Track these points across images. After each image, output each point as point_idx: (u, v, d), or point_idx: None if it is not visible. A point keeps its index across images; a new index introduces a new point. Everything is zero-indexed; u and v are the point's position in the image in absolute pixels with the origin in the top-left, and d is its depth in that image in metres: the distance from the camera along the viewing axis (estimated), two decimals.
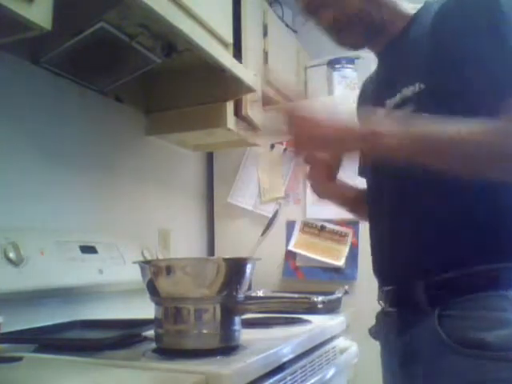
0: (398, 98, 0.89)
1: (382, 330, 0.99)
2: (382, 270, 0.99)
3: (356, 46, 1.00)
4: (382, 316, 0.98)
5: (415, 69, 0.87)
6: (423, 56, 0.86)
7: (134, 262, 0.95)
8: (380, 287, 0.98)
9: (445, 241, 0.85)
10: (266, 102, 2.04)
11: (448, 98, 0.80)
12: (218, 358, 0.85)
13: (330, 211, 1.91)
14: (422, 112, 0.82)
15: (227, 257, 0.95)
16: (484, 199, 0.83)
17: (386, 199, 0.95)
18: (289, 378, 1.00)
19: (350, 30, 0.95)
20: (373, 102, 0.99)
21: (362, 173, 1.13)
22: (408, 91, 0.87)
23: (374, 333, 1.03)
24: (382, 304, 0.97)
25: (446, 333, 0.81)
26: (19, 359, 0.86)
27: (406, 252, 0.90)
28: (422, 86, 0.84)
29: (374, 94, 1.03)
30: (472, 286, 0.82)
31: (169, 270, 0.90)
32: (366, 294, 1.88)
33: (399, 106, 0.88)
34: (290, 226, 1.99)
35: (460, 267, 0.82)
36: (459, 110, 0.75)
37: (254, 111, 1.81)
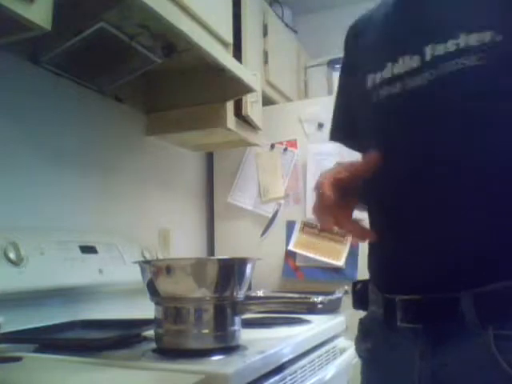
0: (449, 45, 0.66)
1: (384, 349, 0.76)
2: (397, 271, 0.73)
3: None
4: (380, 332, 0.76)
5: (484, 10, 0.65)
6: None
7: (134, 262, 0.95)
8: (387, 293, 0.73)
9: (505, 235, 0.63)
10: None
11: None
12: (218, 358, 0.85)
13: None
14: (493, 76, 0.63)
15: (227, 257, 0.95)
16: None
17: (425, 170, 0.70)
18: (289, 378, 1.00)
19: None
20: (396, 46, 0.74)
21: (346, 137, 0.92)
22: (471, 39, 0.64)
23: (366, 351, 0.80)
24: (381, 314, 0.74)
25: (506, 360, 0.60)
26: (19, 359, 0.86)
27: (444, 252, 0.67)
28: (499, 37, 0.62)
29: (396, 36, 0.76)
30: None
31: (169, 269, 0.90)
32: None
33: (450, 56, 0.66)
34: (290, 226, 1.99)
35: None
36: None
37: (253, 111, 1.81)
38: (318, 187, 0.74)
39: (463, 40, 0.65)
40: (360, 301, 0.82)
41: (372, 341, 0.79)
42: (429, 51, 0.68)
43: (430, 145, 0.69)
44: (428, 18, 0.71)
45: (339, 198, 0.72)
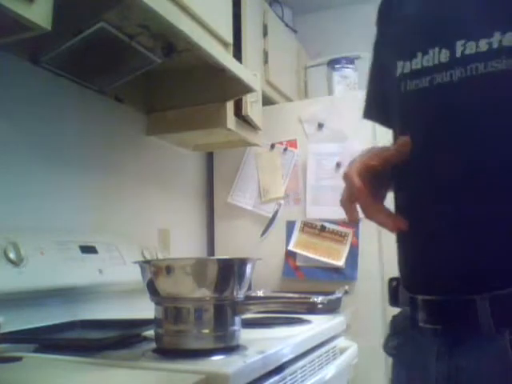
0: (481, 44, 0.62)
1: (409, 346, 0.75)
2: (422, 270, 0.72)
3: None
4: (409, 330, 0.74)
5: None
6: None
7: (134, 262, 0.95)
8: (411, 293, 0.72)
9: None
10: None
11: None
12: (218, 357, 0.85)
13: (330, 211, 1.91)
14: None
15: (227, 257, 0.95)
16: None
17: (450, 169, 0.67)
18: (289, 378, 1.00)
19: None
20: (429, 36, 0.69)
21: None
22: (505, 39, 0.59)
23: (392, 348, 0.79)
24: (409, 313, 0.73)
25: None
26: (19, 359, 0.86)
27: (460, 252, 0.65)
28: None
29: (430, 24, 0.70)
30: None
31: (169, 270, 0.90)
32: (365, 294, 1.88)
33: (482, 56, 0.62)
34: (290, 226, 1.99)
35: None
36: None
37: (253, 111, 1.81)
38: (347, 177, 0.71)
39: (496, 40, 0.60)
40: (394, 298, 0.79)
41: (400, 338, 0.78)
42: (459, 47, 0.64)
43: (452, 146, 0.67)
44: (464, 8, 0.65)
45: (370, 185, 0.70)
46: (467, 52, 0.63)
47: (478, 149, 0.64)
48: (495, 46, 0.60)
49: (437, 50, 0.67)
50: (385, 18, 0.83)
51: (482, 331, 0.62)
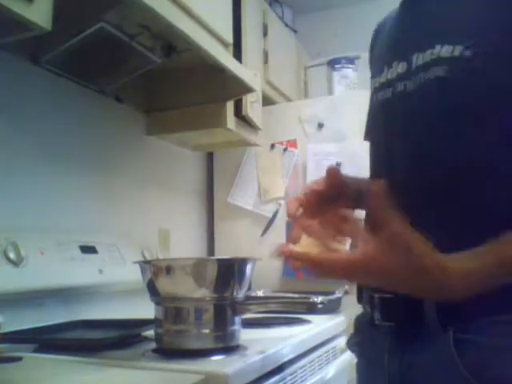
0: (427, 54, 0.68)
1: (368, 343, 0.78)
2: None
3: None
4: (367, 327, 0.77)
5: (460, 24, 0.67)
6: (472, 9, 0.66)
7: (134, 262, 0.95)
8: (367, 291, 0.76)
9: (467, 240, 0.59)
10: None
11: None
12: (218, 357, 0.85)
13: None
14: (457, 90, 0.64)
15: (227, 257, 0.95)
16: None
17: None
18: (289, 378, 1.00)
19: None
20: (393, 53, 0.77)
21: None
22: (443, 51, 0.66)
23: (353, 345, 0.83)
24: (369, 312, 0.76)
25: (465, 365, 0.60)
26: (19, 359, 0.86)
27: None
28: (468, 52, 0.63)
29: (394, 42, 0.80)
30: (499, 303, 0.59)
31: (169, 270, 0.90)
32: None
33: (427, 66, 0.68)
34: (290, 226, 1.99)
35: None
36: None
37: (253, 111, 1.81)
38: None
39: (437, 51, 0.67)
40: (359, 296, 0.83)
41: (361, 335, 0.82)
42: (414, 59, 0.71)
43: (398, 152, 0.72)
44: (418, 26, 0.74)
45: (318, 208, 0.78)
46: (418, 63, 0.70)
47: (428, 155, 0.68)
48: (435, 56, 0.67)
49: (397, 63, 0.74)
50: (374, 41, 0.93)
51: (429, 329, 0.65)
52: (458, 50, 0.64)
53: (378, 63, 0.82)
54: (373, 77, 0.83)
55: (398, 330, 0.70)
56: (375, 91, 0.79)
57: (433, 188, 0.67)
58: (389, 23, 0.85)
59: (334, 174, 0.75)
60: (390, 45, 0.80)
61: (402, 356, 0.69)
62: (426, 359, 0.66)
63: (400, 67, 0.73)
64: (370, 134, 0.88)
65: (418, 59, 0.70)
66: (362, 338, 0.80)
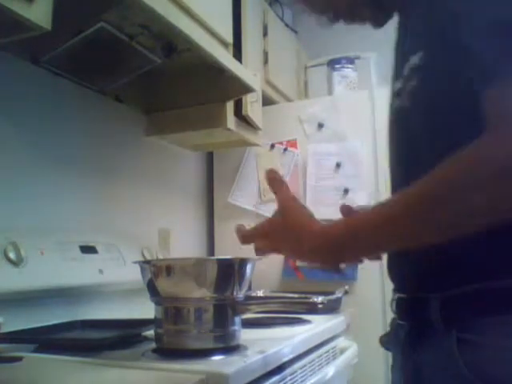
0: (406, 67, 0.71)
1: (395, 341, 0.80)
2: (393, 269, 0.78)
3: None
4: (396, 326, 0.79)
5: (417, 33, 0.70)
6: (422, 16, 0.69)
7: (134, 262, 0.95)
8: (393, 291, 0.79)
9: (474, 241, 0.60)
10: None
11: (444, 78, 0.64)
12: (218, 357, 0.85)
13: (330, 211, 1.91)
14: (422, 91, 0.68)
15: (227, 257, 0.95)
16: None
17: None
18: (289, 377, 1.00)
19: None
20: (397, 62, 0.80)
21: None
22: (414, 60, 0.69)
23: (385, 343, 0.85)
24: (394, 313, 0.79)
25: (467, 364, 0.61)
26: (19, 359, 0.86)
27: (420, 253, 0.68)
28: (423, 59, 0.67)
29: (396, 52, 0.82)
30: (501, 303, 0.61)
31: (169, 270, 0.90)
32: (365, 294, 1.88)
33: (409, 75, 0.71)
34: None
35: (488, 278, 0.62)
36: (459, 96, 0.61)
37: (253, 111, 1.81)
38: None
39: (412, 60, 0.69)
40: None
41: (390, 334, 0.84)
42: (405, 68, 0.73)
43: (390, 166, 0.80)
44: (404, 39, 0.77)
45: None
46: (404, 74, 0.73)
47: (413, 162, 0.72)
48: (409, 67, 0.70)
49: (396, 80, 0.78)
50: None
51: (435, 328, 0.66)
52: (417, 58, 0.68)
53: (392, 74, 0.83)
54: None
55: (410, 329, 0.72)
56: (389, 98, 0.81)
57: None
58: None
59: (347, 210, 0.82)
60: (394, 59, 0.81)
61: (413, 355, 0.71)
62: (432, 359, 0.67)
63: (397, 83, 0.75)
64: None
65: (405, 69, 0.72)
66: (392, 337, 0.82)
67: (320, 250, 0.72)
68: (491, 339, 0.61)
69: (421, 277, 0.70)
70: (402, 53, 0.75)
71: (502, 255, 0.62)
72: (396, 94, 0.76)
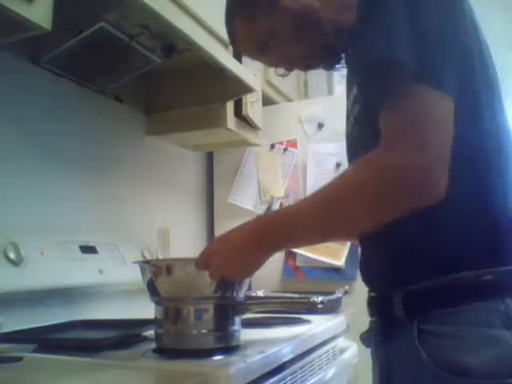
0: (351, 96, 0.88)
1: (372, 338, 0.87)
2: (364, 271, 0.88)
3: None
4: (371, 323, 0.88)
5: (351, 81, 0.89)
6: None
7: (134, 262, 0.95)
8: (367, 291, 0.87)
9: (427, 241, 0.72)
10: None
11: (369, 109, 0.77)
12: (218, 358, 0.85)
13: None
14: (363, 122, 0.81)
15: None
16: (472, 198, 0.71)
17: None
18: (289, 377, 1.00)
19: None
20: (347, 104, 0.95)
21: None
22: (355, 91, 0.85)
23: (365, 339, 0.91)
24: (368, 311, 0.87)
25: (427, 353, 0.69)
26: (19, 359, 0.86)
27: (381, 253, 0.80)
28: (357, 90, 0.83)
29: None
30: (456, 295, 0.69)
31: (169, 270, 0.90)
32: (365, 294, 1.88)
33: (353, 102, 0.87)
34: None
35: (444, 273, 0.70)
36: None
37: (253, 111, 1.81)
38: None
39: (354, 91, 0.86)
40: None
41: (368, 331, 0.91)
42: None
43: None
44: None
45: None
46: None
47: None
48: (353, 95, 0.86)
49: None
50: None
51: (399, 321, 0.74)
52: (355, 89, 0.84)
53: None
54: None
55: (381, 326, 0.81)
56: None
57: None
58: None
59: None
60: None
61: (384, 349, 0.80)
62: (399, 350, 0.75)
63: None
64: None
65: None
66: (370, 334, 0.88)
67: (226, 252, 0.85)
68: (450, 328, 0.69)
69: (385, 276, 0.79)
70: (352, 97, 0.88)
71: (452, 252, 0.71)
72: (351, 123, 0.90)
